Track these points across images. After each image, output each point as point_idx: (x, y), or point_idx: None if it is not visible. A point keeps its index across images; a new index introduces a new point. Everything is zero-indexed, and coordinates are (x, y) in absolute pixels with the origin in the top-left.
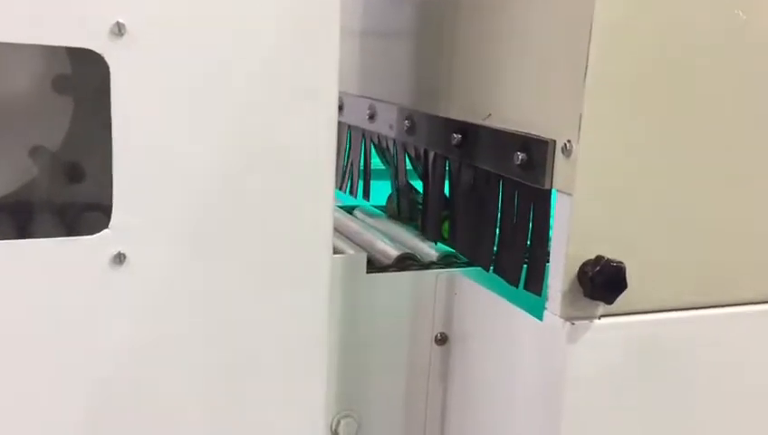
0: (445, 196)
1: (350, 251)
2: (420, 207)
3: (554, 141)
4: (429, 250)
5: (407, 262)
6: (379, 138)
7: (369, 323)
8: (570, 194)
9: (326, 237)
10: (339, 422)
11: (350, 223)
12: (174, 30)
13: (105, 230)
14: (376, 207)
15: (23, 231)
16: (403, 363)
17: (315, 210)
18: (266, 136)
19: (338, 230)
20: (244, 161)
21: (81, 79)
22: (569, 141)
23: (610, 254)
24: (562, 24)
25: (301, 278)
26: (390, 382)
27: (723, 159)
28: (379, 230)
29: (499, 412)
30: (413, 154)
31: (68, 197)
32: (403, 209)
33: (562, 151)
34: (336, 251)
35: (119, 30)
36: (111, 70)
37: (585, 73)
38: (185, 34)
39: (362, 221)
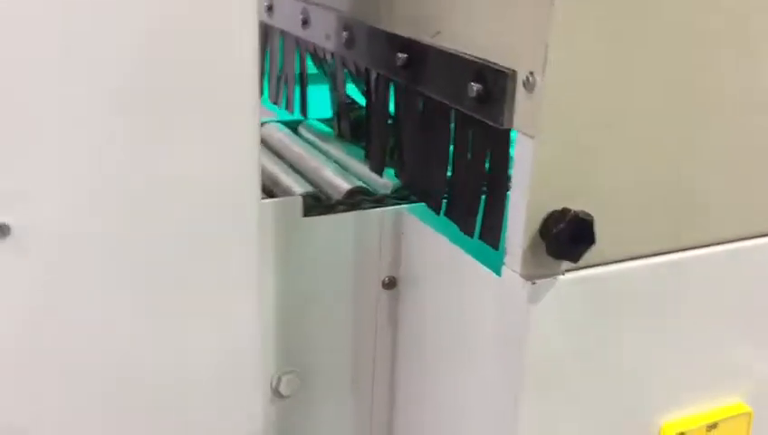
0: (390, 121)
1: (293, 184)
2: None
3: (515, 72)
4: (383, 179)
5: (357, 197)
6: (315, 48)
7: (310, 270)
8: (531, 136)
9: (252, 176)
10: (279, 380)
11: (293, 146)
12: None
13: None
14: (322, 120)
15: None
16: (348, 311)
17: (236, 146)
18: (170, 53)
19: (280, 154)
20: (140, 87)
21: None
22: (531, 74)
23: (576, 204)
24: None
25: (224, 226)
26: (334, 333)
27: (699, 96)
28: (327, 154)
29: (454, 363)
30: (353, 70)
31: None
32: (345, 130)
33: (524, 85)
34: (278, 183)
35: None
36: None
37: None
38: None
39: (308, 142)
